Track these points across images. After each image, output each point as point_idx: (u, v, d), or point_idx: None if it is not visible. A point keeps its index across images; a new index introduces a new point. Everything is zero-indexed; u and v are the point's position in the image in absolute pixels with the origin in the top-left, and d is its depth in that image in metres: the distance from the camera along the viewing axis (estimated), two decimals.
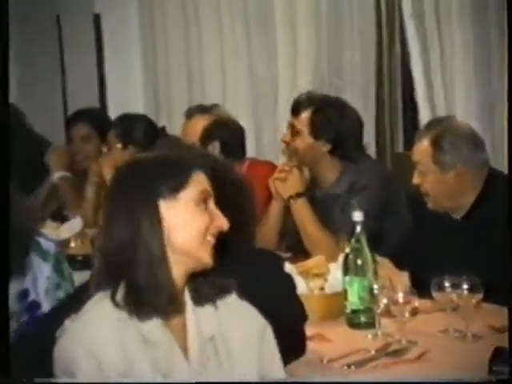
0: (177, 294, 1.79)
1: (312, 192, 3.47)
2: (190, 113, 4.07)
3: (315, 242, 3.31)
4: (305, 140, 3.43)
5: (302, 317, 2.28)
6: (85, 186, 4.26)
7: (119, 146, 4.17)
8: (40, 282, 2.18)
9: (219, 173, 2.06)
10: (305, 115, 3.42)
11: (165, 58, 5.02)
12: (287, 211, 3.46)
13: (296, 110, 3.47)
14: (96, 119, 4.52)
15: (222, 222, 1.81)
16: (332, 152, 3.41)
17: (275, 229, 3.49)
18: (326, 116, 3.38)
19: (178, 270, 1.79)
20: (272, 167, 3.68)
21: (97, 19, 5.21)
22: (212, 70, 4.83)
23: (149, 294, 1.74)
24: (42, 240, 2.24)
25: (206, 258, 1.80)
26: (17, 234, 2.01)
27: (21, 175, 2.39)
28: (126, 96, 5.16)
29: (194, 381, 1.78)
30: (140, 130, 4.20)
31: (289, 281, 2.28)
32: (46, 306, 2.18)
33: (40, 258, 2.21)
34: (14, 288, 2.09)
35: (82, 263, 3.16)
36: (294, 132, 3.45)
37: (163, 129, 4.47)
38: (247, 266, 2.10)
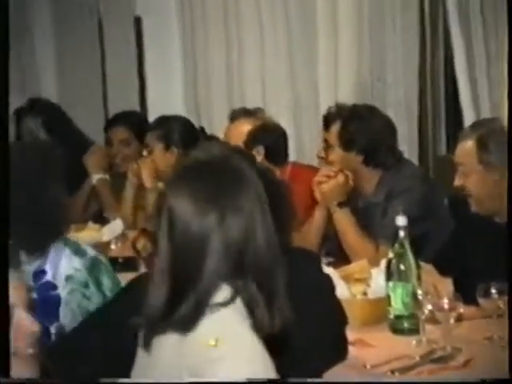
0: None
1: (354, 201, 3.44)
2: (234, 115, 4.05)
3: (356, 251, 3.29)
4: (337, 154, 3.43)
5: (343, 320, 2.24)
6: (123, 189, 4.25)
7: (161, 146, 4.14)
8: (61, 268, 2.23)
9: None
10: (334, 129, 3.44)
11: (205, 61, 5.01)
12: (329, 217, 3.44)
13: (326, 124, 3.50)
14: (135, 122, 4.50)
15: None
16: (366, 162, 3.38)
17: (318, 234, 3.48)
18: (354, 128, 3.37)
19: None
20: (315, 171, 3.63)
21: (138, 22, 5.22)
22: (252, 73, 4.80)
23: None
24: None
25: None
26: (44, 225, 2.16)
27: (64, 174, 2.41)
28: (167, 99, 5.15)
29: None
30: (180, 130, 4.16)
31: (328, 281, 2.24)
32: (63, 292, 2.22)
33: (72, 252, 2.26)
34: (32, 267, 2.22)
35: (123, 266, 3.16)
36: (327, 146, 3.45)
37: (202, 129, 4.45)
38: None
